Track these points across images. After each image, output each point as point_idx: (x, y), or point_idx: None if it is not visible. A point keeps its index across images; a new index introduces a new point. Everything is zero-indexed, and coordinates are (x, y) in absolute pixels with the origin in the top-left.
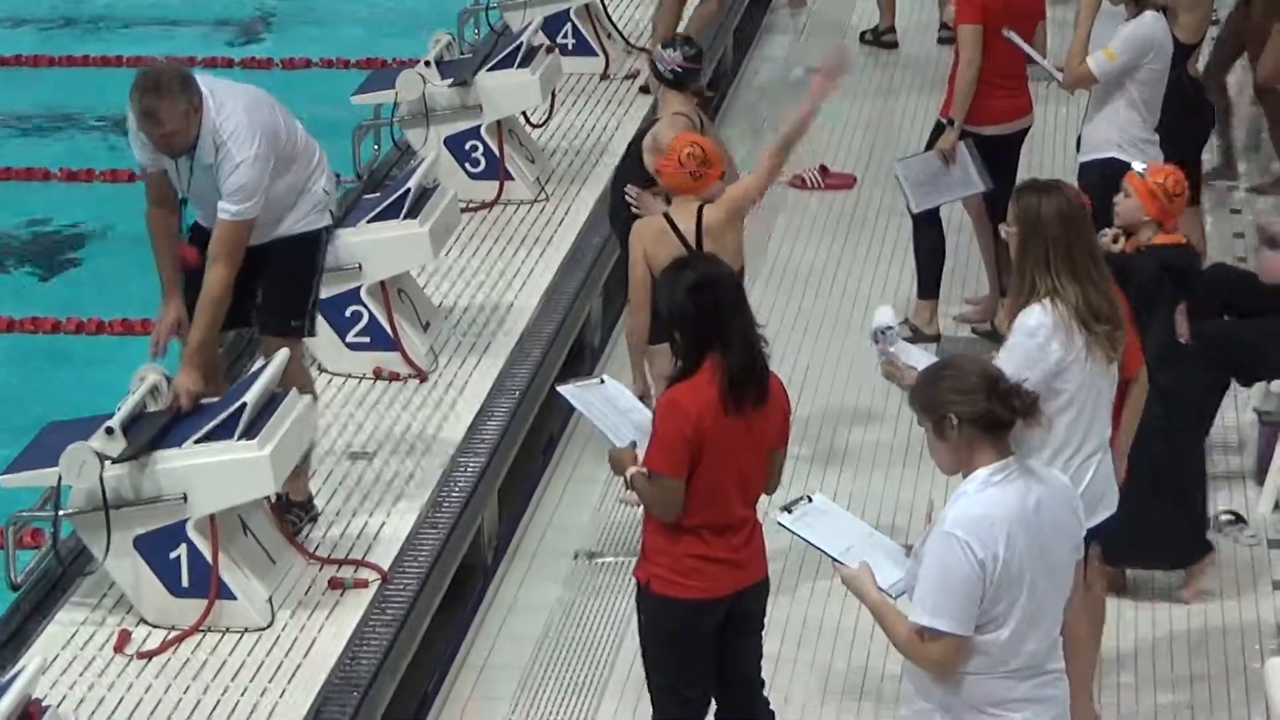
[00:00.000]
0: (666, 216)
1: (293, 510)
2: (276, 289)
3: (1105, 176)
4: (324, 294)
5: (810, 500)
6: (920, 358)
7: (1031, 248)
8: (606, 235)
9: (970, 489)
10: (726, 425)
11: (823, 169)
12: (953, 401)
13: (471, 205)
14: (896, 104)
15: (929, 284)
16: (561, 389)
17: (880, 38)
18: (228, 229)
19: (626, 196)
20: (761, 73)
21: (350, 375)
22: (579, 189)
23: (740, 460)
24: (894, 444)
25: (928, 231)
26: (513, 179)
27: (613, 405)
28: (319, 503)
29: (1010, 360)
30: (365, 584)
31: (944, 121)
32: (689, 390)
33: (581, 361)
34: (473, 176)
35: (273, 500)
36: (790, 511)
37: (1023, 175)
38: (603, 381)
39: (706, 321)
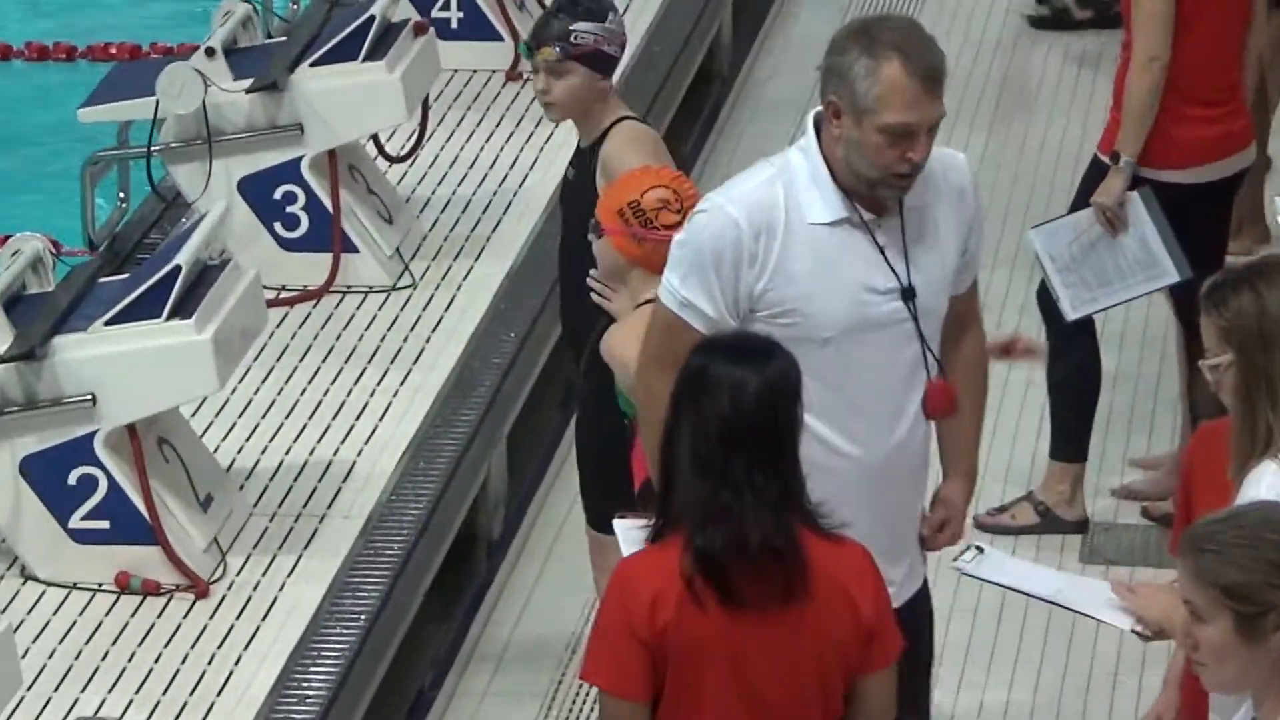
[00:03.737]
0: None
1: None
2: None
3: None
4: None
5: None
6: (1027, 574)
7: (1259, 373)
8: (514, 350)
9: None
10: (721, 622)
11: None
12: None
13: (285, 295)
14: (1018, 129)
15: (1072, 436)
16: None
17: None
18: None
19: (590, 285)
20: (779, 69)
21: (78, 586)
22: (470, 268)
23: (765, 683)
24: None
25: (1074, 348)
26: (355, 250)
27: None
28: None
29: None
30: None
31: (1105, 160)
32: (649, 562)
33: (472, 569)
34: (287, 246)
35: None
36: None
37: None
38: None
39: (694, 450)
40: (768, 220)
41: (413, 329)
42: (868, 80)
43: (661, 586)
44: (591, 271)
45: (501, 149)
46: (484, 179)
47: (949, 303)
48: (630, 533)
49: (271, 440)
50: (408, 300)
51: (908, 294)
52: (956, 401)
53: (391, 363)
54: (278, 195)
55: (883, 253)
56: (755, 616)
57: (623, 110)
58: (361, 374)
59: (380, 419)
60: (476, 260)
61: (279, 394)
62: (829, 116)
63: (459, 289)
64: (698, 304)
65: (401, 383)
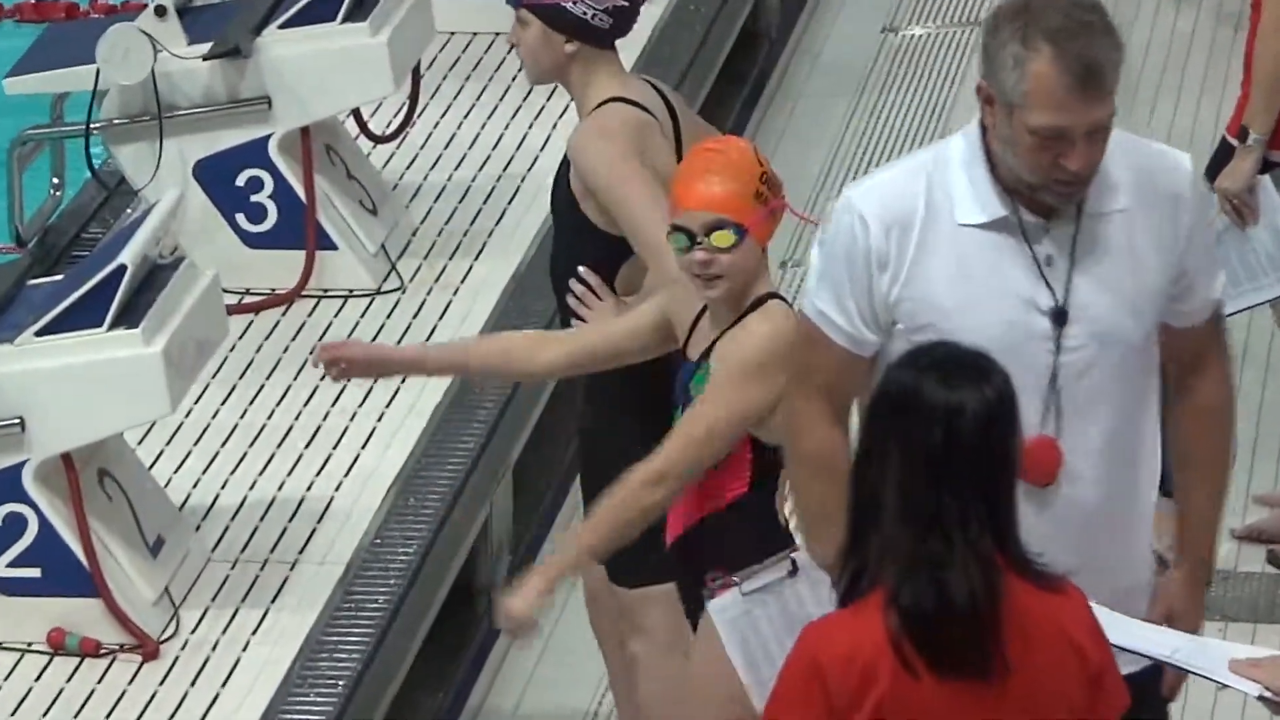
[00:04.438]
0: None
1: None
2: None
3: None
4: None
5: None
6: (1139, 631)
7: None
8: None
9: None
10: (941, 691)
11: None
12: None
13: (250, 300)
14: (1142, 107)
15: None
16: None
17: None
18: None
19: (570, 296)
20: (836, 30)
21: (3, 645)
22: (469, 268)
23: None
24: None
25: None
26: (333, 246)
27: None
28: None
29: None
30: None
31: (1232, 142)
32: (849, 626)
33: (470, 626)
34: (252, 241)
35: None
36: None
37: None
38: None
39: (901, 488)
40: (902, 215)
41: (401, 340)
42: (1015, 72)
43: (871, 655)
44: (572, 283)
45: (507, 126)
46: (485, 162)
47: (1177, 336)
48: (733, 615)
49: (233, 473)
50: (395, 306)
51: (1058, 317)
52: (1057, 466)
53: (376, 381)
54: (241, 181)
55: (1044, 265)
56: (976, 682)
57: (621, 89)
58: (340, 394)
59: (363, 447)
60: (476, 259)
61: (242, 417)
62: (981, 102)
63: (456, 293)
64: (829, 313)
65: (388, 405)
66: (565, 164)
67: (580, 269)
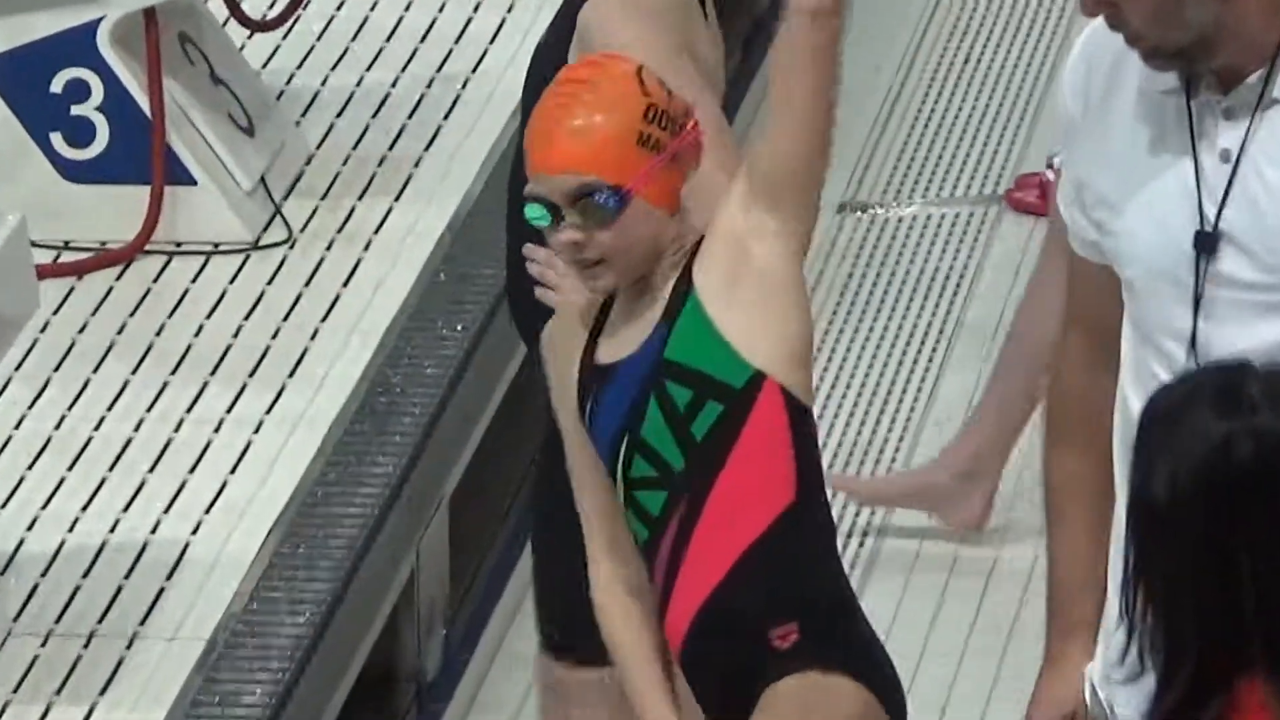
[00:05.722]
0: None
1: None
2: None
3: None
4: None
5: None
6: None
7: None
8: (460, 354)
9: None
10: None
11: None
12: None
13: (71, 258)
14: None
15: None
16: None
17: None
18: None
19: (531, 269)
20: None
21: None
22: (386, 214)
23: None
24: None
25: None
26: (191, 181)
27: None
28: None
29: None
30: None
31: None
32: None
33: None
34: (74, 172)
35: None
36: None
37: None
38: None
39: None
40: (1091, 69)
41: (287, 317)
42: None
43: None
44: (529, 248)
45: (441, 9)
46: (408, 62)
47: None
48: None
49: (44, 507)
50: (280, 266)
51: (1202, 242)
52: None
53: (251, 375)
54: (58, 87)
55: (1213, 161)
56: None
57: None
58: (200, 393)
59: (232, 471)
60: (396, 200)
61: (57, 428)
62: None
63: (367, 248)
64: (1062, 210)
65: (268, 410)
66: (553, 52)
67: None
